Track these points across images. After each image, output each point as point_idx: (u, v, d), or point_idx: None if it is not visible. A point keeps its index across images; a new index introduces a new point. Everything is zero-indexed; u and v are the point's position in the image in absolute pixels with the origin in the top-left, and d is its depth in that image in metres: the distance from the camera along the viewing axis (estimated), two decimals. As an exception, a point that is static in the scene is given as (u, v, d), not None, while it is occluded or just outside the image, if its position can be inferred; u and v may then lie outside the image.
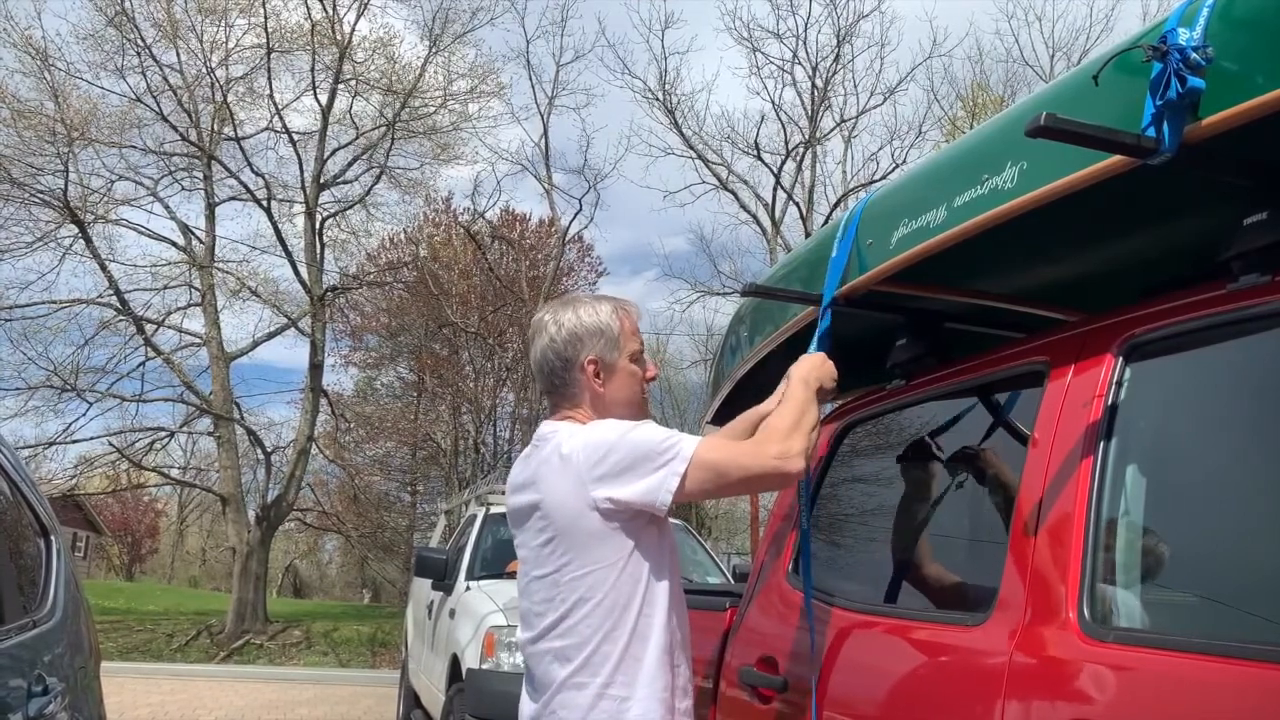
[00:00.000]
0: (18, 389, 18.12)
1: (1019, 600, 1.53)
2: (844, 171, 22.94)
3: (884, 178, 20.33)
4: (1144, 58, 1.34)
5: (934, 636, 1.72)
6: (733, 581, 7.18)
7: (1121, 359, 1.56)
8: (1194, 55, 1.30)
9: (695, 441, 1.74)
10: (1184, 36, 1.31)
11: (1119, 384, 1.55)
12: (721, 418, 3.19)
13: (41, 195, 17.77)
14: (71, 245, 18.73)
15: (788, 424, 1.74)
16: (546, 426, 1.88)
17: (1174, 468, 1.55)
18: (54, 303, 18.78)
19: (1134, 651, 1.32)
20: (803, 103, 22.49)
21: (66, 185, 17.54)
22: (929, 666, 1.71)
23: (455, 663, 5.83)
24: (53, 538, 2.62)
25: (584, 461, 1.74)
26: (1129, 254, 2.09)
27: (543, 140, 22.44)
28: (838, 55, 21.99)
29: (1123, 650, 1.33)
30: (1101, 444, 1.52)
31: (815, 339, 2.05)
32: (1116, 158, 1.42)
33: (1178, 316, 1.49)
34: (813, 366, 1.89)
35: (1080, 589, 1.44)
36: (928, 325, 2.27)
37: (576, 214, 22.77)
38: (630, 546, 1.75)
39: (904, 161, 21.45)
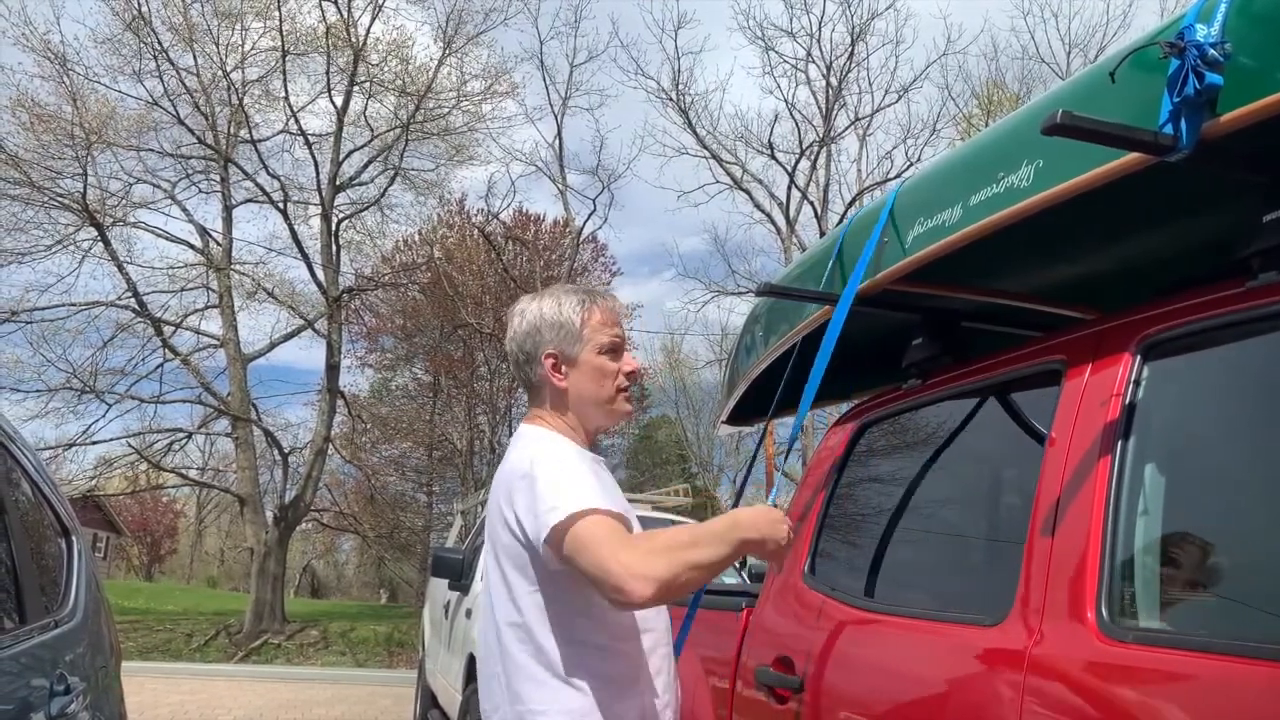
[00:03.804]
0: (38, 391, 18.32)
1: (1037, 600, 1.52)
2: (859, 170, 22.90)
3: (898, 176, 20.26)
4: (1161, 54, 1.33)
5: (951, 636, 1.71)
6: (748, 582, 7.17)
7: (1139, 357, 1.55)
8: (1212, 51, 1.29)
9: (595, 504, 1.53)
10: (1202, 32, 1.30)
11: (1137, 383, 1.54)
12: (736, 418, 3.19)
13: (60, 198, 17.94)
14: (90, 248, 18.94)
15: (669, 544, 1.51)
16: (521, 427, 1.81)
17: (1193, 467, 1.54)
18: (73, 305, 18.96)
19: (1154, 651, 1.31)
20: (817, 101, 22.48)
21: (85, 188, 17.70)
22: (946, 666, 1.70)
23: (472, 662, 5.85)
24: (74, 538, 2.64)
25: (513, 483, 1.65)
26: (1146, 252, 2.08)
27: (556, 141, 22.51)
28: (852, 53, 21.96)
29: (1142, 650, 1.32)
30: (1119, 443, 1.51)
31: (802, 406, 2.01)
32: (1133, 155, 1.41)
33: (1196, 314, 1.48)
34: (758, 518, 1.62)
35: (1099, 588, 1.44)
36: (944, 324, 2.26)
37: (590, 214, 22.83)
38: (542, 579, 1.62)
39: (918, 160, 21.40)
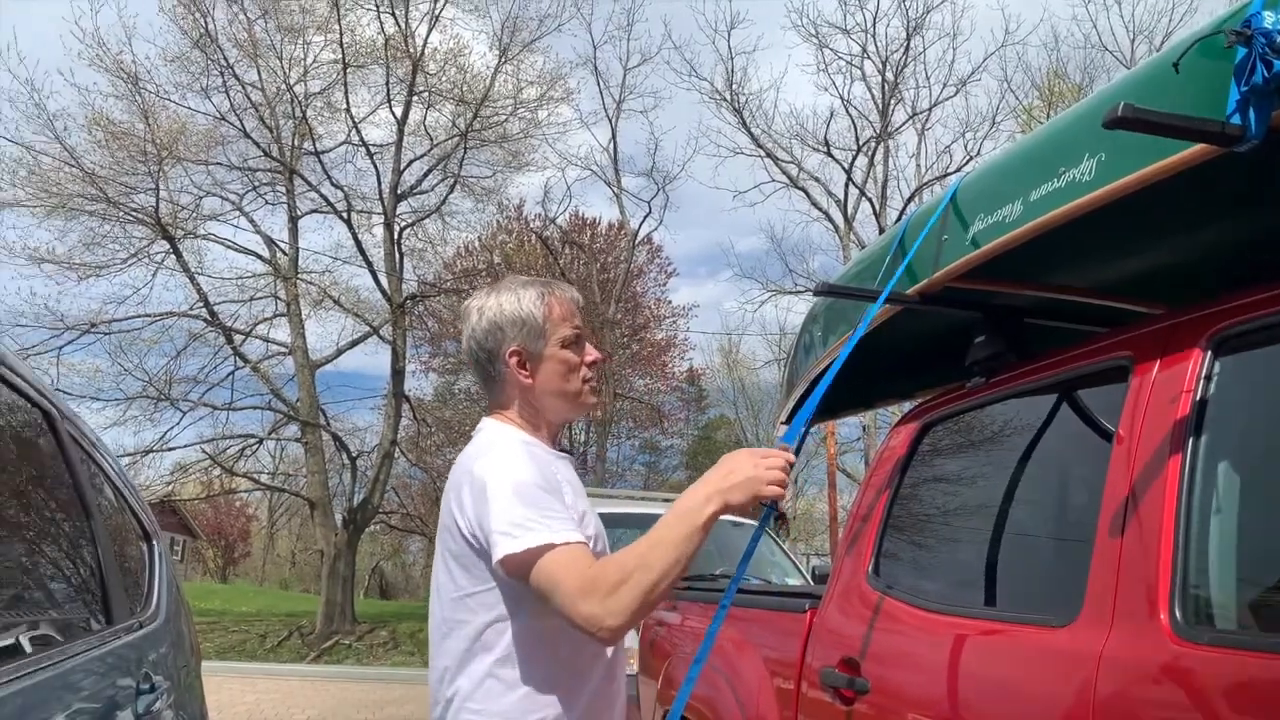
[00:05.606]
0: (116, 399, 18.88)
1: (1107, 601, 1.50)
2: (918, 165, 22.60)
3: (958, 171, 19.95)
4: (1227, 43, 1.30)
5: (1019, 638, 1.69)
6: (812, 583, 7.12)
7: (1210, 353, 1.52)
8: (1280, 39, 1.26)
9: (551, 538, 1.48)
10: (1269, 20, 1.27)
11: (1208, 378, 1.51)
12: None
13: (135, 213, 18.51)
14: (163, 260, 19.49)
15: (624, 572, 1.44)
16: (483, 421, 1.76)
17: (1268, 464, 1.50)
18: (148, 316, 19.52)
19: (1230, 654, 1.29)
20: (873, 97, 22.25)
21: (158, 203, 18.25)
22: (1014, 669, 1.68)
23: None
24: (154, 542, 2.74)
25: (464, 483, 1.60)
26: (1214, 244, 2.03)
27: (611, 144, 22.61)
28: (908, 47, 21.70)
29: (1218, 653, 1.30)
30: (1190, 440, 1.48)
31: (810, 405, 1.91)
32: (1199, 146, 1.38)
33: (1269, 309, 1.45)
34: (733, 469, 1.54)
35: (1171, 589, 1.41)
36: (1007, 321, 2.23)
37: (646, 216, 22.89)
38: (487, 583, 1.58)
39: (978, 154, 21.02)
